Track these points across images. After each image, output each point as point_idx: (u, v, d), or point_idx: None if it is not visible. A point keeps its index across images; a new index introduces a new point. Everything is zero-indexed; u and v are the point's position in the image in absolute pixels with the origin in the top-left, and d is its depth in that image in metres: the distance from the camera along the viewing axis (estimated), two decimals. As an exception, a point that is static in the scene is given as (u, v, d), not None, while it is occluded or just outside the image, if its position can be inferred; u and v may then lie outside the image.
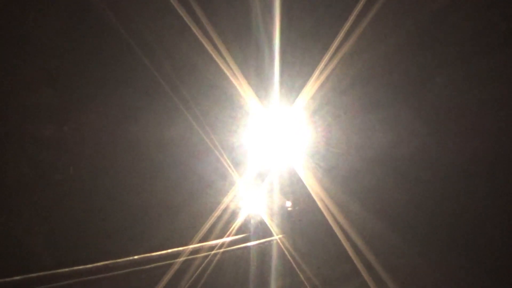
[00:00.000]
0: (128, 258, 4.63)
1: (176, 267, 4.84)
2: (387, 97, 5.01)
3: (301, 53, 5.03)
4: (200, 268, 4.95)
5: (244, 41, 5.04)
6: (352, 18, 4.81)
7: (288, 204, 5.40)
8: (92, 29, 4.57)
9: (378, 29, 4.81)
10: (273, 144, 5.24)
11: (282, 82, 5.07)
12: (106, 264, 4.51)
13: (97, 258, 4.41)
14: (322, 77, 4.99)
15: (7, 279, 3.84)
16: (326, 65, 4.96)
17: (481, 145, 4.92)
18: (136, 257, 4.68)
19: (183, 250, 4.96)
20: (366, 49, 4.92)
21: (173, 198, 5.04)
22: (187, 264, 4.94)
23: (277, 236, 5.37)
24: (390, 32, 4.84)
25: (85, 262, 4.34)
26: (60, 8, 4.44)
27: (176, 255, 4.93)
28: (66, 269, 4.18)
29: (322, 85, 5.00)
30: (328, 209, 5.06)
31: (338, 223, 5.05)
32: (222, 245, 5.14)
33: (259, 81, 5.08)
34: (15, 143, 4.26)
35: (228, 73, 4.98)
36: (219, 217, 5.12)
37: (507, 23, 4.72)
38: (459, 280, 4.96)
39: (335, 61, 4.95)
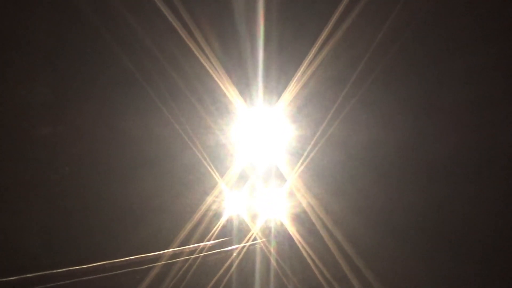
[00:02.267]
0: (104, 262, 4.39)
1: (154, 271, 4.59)
2: (372, 95, 4.94)
3: (286, 49, 4.93)
4: (180, 274, 4.72)
5: (227, 38, 4.90)
6: (337, 14, 4.75)
7: (271, 206, 5.22)
8: (77, 29, 4.43)
9: (364, 25, 4.76)
10: (255, 143, 5.07)
11: (265, 79, 4.95)
12: (81, 268, 4.28)
13: (74, 261, 4.19)
14: (307, 74, 4.89)
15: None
16: (310, 62, 4.86)
17: (467, 143, 4.90)
18: (111, 261, 4.44)
19: (161, 254, 4.72)
20: (351, 46, 4.85)
21: (151, 200, 4.81)
22: (165, 269, 4.70)
23: (260, 240, 5.16)
24: (376, 29, 4.79)
25: (62, 265, 4.11)
26: (47, 10, 4.30)
27: (155, 259, 4.69)
28: (44, 272, 3.97)
29: (306, 82, 4.90)
30: (313, 209, 4.91)
31: (324, 224, 4.90)
32: (202, 249, 4.92)
33: (242, 77, 4.94)
34: (8, 142, 4.07)
35: (210, 70, 4.83)
36: (200, 220, 4.90)
37: (492, 22, 4.75)
38: (445, 280, 4.87)
39: (319, 59, 4.87)
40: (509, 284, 4.86)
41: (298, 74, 4.90)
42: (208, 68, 4.81)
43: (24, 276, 3.94)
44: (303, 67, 4.89)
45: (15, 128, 4.14)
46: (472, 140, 4.96)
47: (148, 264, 4.64)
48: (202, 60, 4.79)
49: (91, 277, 4.31)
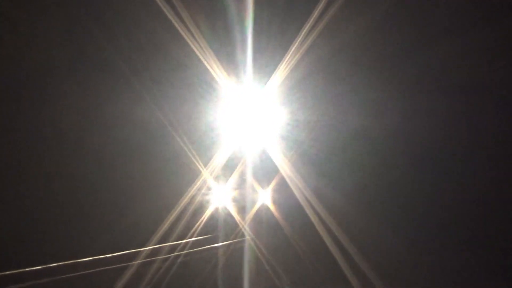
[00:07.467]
0: (78, 261, 3.87)
1: (133, 270, 4.08)
2: (361, 78, 4.76)
3: (275, 32, 4.69)
4: (160, 273, 4.22)
5: (215, 18, 4.64)
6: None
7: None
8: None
9: (352, 9, 4.61)
10: (243, 128, 4.72)
11: (255, 62, 4.68)
12: (53, 267, 3.75)
13: (46, 258, 3.67)
14: (295, 58, 4.66)
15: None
16: (299, 46, 4.65)
17: (457, 127, 4.78)
18: (87, 259, 3.92)
19: (142, 251, 4.23)
20: (339, 29, 4.69)
21: (132, 189, 4.34)
22: (144, 268, 4.20)
23: (248, 236, 4.74)
24: (364, 12, 4.66)
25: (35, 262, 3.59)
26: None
27: (133, 256, 4.18)
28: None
29: (295, 66, 4.67)
30: (307, 200, 4.57)
31: (319, 217, 4.57)
32: (185, 247, 4.44)
33: (231, 59, 4.64)
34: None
35: (197, 51, 4.50)
36: (182, 214, 4.44)
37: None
38: (447, 277, 4.62)
39: (308, 41, 4.66)
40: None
41: (288, 56, 4.66)
42: (195, 49, 4.49)
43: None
44: (293, 49, 4.66)
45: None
46: (463, 124, 4.85)
47: (126, 262, 4.14)
48: (189, 41, 4.47)
49: (62, 276, 3.81)
